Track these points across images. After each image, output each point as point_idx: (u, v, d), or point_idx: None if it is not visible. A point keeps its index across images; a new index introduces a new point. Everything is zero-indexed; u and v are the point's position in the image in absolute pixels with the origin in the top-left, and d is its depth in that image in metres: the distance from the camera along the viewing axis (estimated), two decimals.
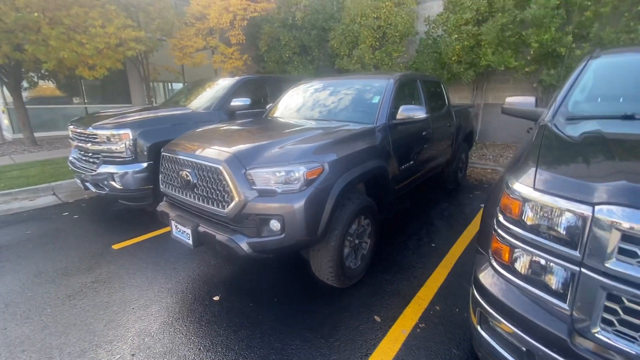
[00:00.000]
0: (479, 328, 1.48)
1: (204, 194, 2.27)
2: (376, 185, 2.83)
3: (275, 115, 3.77)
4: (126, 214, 4.36)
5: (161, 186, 2.71)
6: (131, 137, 3.77)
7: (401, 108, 3.00)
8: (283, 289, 2.65)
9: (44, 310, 2.44)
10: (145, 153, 3.85)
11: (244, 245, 2.13)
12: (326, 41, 9.16)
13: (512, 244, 1.32)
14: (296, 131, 2.65)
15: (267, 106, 4.17)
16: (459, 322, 2.25)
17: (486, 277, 1.45)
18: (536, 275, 1.27)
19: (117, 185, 3.80)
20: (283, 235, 2.09)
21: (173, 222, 2.50)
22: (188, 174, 2.33)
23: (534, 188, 1.25)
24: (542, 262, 1.24)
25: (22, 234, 3.76)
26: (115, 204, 4.69)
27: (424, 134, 3.60)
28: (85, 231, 3.85)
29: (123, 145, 3.76)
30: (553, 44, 5.89)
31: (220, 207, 2.18)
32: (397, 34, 7.92)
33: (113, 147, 3.80)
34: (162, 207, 2.73)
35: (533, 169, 1.31)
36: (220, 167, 2.13)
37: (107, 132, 3.79)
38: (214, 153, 2.23)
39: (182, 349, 2.04)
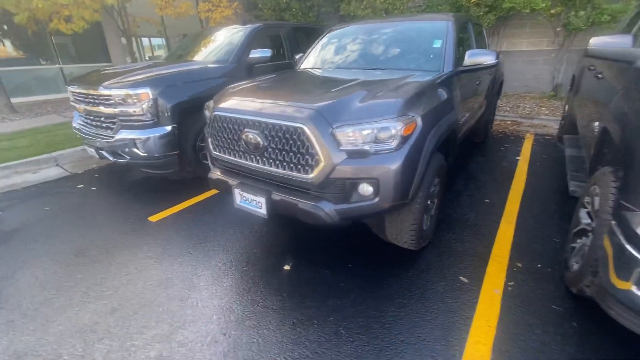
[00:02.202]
0: (633, 288, 1.38)
1: (279, 158, 2.00)
2: (447, 139, 2.61)
3: (312, 66, 3.37)
4: (148, 182, 4.03)
5: (213, 151, 2.40)
6: (151, 96, 3.33)
7: (468, 53, 2.70)
8: (352, 254, 2.52)
9: (102, 292, 2.23)
10: (169, 115, 3.44)
11: (331, 212, 1.93)
12: None
13: None
14: (365, 83, 2.32)
15: (297, 56, 3.73)
16: (547, 279, 2.20)
17: None
18: None
19: (140, 152, 3.43)
20: (376, 199, 1.89)
21: (237, 191, 2.24)
22: (256, 137, 2.04)
23: None
24: None
25: (40, 211, 3.42)
26: (132, 173, 4.33)
27: (477, 83, 3.33)
28: (111, 204, 3.54)
29: (143, 106, 3.33)
30: None
31: (302, 172, 1.93)
32: None
33: (131, 110, 3.36)
34: (217, 174, 2.44)
35: None
36: (304, 127, 1.84)
37: (123, 92, 3.33)
38: (291, 110, 1.93)
39: (273, 324, 1.91)
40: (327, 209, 1.92)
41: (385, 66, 2.87)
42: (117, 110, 3.40)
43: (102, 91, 3.39)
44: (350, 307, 2.02)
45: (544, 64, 7.30)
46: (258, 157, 2.11)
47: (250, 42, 4.35)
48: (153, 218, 3.17)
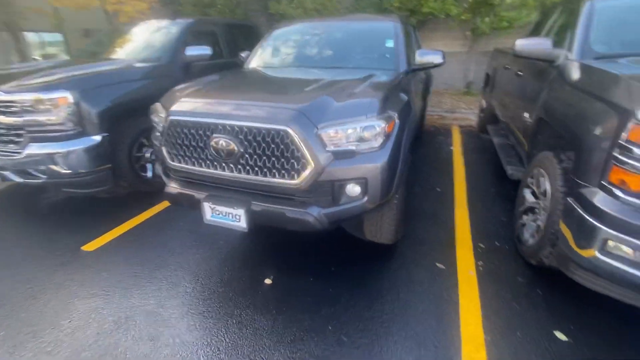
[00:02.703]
0: (597, 254, 1.60)
1: (258, 164, 1.83)
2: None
3: (263, 64, 3.20)
4: (72, 204, 3.37)
5: (170, 162, 2.09)
6: (71, 101, 2.76)
7: (418, 52, 2.86)
8: (331, 257, 2.46)
9: (41, 349, 1.77)
10: (97, 122, 2.91)
11: (320, 217, 1.84)
12: None
13: None
14: (333, 82, 2.27)
15: (243, 54, 3.50)
16: (507, 255, 2.46)
17: (609, 205, 1.53)
18: None
19: (61, 169, 2.83)
20: (365, 199, 1.86)
21: (207, 205, 1.99)
22: (229, 143, 1.83)
23: None
24: None
25: None
26: (47, 195, 3.57)
27: (420, 81, 3.56)
28: (28, 235, 2.85)
29: (61, 113, 2.75)
30: None
31: (286, 177, 1.80)
32: None
33: (43, 118, 2.75)
34: (176, 188, 2.14)
35: None
36: (288, 129, 1.70)
37: (31, 97, 2.70)
38: (271, 112, 1.77)
39: (270, 345, 1.75)
40: (316, 214, 1.83)
41: (341, 65, 2.87)
42: (23, 119, 2.75)
43: (1, 97, 2.70)
44: (345, 311, 1.97)
45: (457, 63, 8.23)
46: (232, 165, 1.90)
47: (185, 38, 3.95)
48: (88, 247, 2.64)
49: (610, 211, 1.54)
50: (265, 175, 1.84)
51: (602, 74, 1.92)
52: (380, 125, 1.81)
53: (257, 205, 1.89)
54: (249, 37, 5.26)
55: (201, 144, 1.94)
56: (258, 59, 3.27)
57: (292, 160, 1.76)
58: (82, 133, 2.87)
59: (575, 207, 1.72)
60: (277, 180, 1.82)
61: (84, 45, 5.38)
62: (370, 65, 2.80)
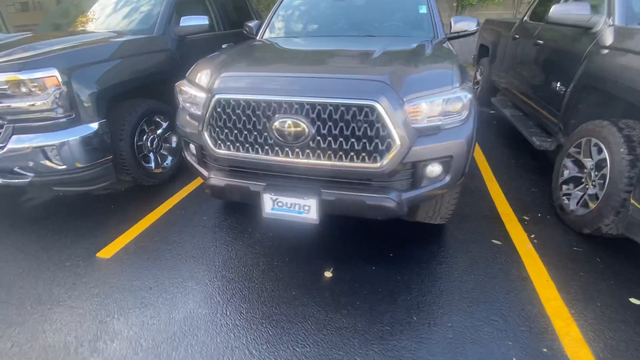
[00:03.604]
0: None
1: (333, 147, 1.59)
2: None
3: (284, 34, 2.84)
4: (66, 204, 2.89)
5: (214, 149, 1.78)
6: (61, 80, 2.28)
7: (454, 19, 2.69)
8: (379, 242, 2.32)
9: None
10: (93, 107, 2.45)
11: (401, 202, 1.67)
12: None
13: None
14: (392, 52, 2.02)
15: (252, 23, 3.10)
16: (554, 225, 2.47)
17: None
18: None
19: (55, 165, 2.38)
20: (447, 179, 1.71)
21: (268, 196, 1.73)
22: (298, 123, 1.56)
23: None
24: None
25: None
26: (29, 196, 3.04)
27: None
28: (26, 243, 2.39)
29: (49, 97, 2.26)
30: None
31: (368, 161, 1.59)
32: None
33: (26, 104, 2.25)
34: (224, 179, 1.84)
35: None
36: (375, 104, 1.48)
37: (7, 77, 2.18)
38: (352, 85, 1.52)
39: (360, 346, 1.60)
40: (398, 199, 1.66)
41: (377, 32, 2.62)
42: (3, 105, 2.23)
43: None
44: (422, 297, 1.86)
45: None
46: (298, 150, 1.65)
47: (175, 6, 3.43)
48: (103, 254, 2.28)
49: None
50: (341, 160, 1.61)
51: None
52: (467, 97, 1.63)
53: (330, 194, 1.67)
54: (240, 8, 4.75)
55: (259, 127, 1.65)
56: (277, 29, 2.91)
57: (376, 140, 1.55)
58: (75, 120, 2.41)
59: None
60: (356, 164, 1.60)
61: (24, 21, 4.54)
62: (409, 33, 2.60)
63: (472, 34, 2.75)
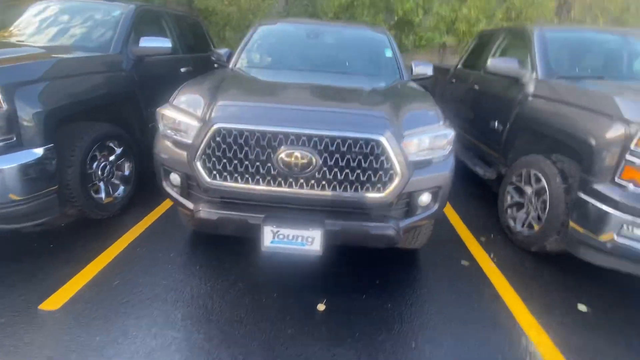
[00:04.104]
0: (615, 237, 1.98)
1: (339, 178, 1.62)
2: None
3: (261, 65, 2.84)
4: None
5: (209, 180, 1.66)
6: (2, 99, 1.92)
7: (414, 63, 3.02)
8: (361, 270, 2.36)
9: None
10: (39, 129, 2.11)
11: (399, 230, 1.76)
12: None
13: None
14: (375, 91, 2.18)
15: (222, 51, 3.04)
16: (506, 244, 2.82)
17: (623, 196, 1.92)
18: None
19: None
20: (435, 207, 1.87)
21: (268, 229, 1.65)
22: (306, 155, 1.57)
23: None
24: None
25: None
26: None
27: None
28: None
29: None
30: (410, 14, 7.12)
31: (372, 191, 1.65)
32: None
33: None
34: (215, 211, 1.71)
35: None
36: (381, 138, 1.57)
37: None
38: (359, 119, 1.60)
39: None
40: (397, 228, 1.74)
41: (351, 70, 2.80)
42: None
43: None
44: (415, 324, 1.92)
45: None
46: (302, 181, 1.64)
47: (132, 25, 3.21)
48: (48, 305, 1.88)
49: (624, 201, 1.94)
50: (345, 190, 1.65)
51: (598, 93, 2.34)
52: (451, 134, 1.84)
53: (334, 224, 1.68)
54: (197, 33, 4.64)
55: (263, 157, 1.61)
56: (252, 59, 2.90)
57: (380, 172, 1.63)
58: (15, 145, 2.03)
59: (590, 200, 2.10)
60: (361, 194, 1.65)
61: None
62: (378, 72, 2.83)
63: (429, 78, 3.13)
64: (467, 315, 2.01)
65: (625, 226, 1.96)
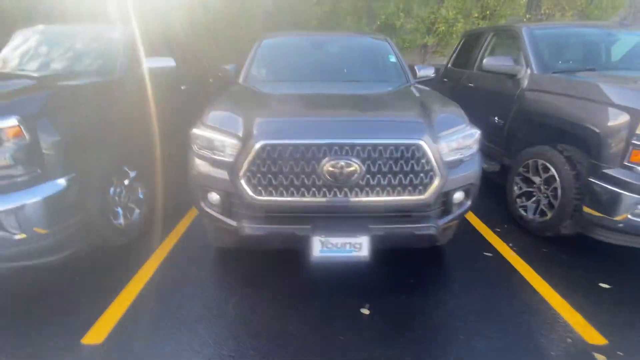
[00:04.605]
0: (629, 216, 2.13)
1: (383, 183, 1.68)
2: None
3: (273, 79, 2.86)
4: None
5: (254, 196, 1.68)
6: (24, 130, 1.87)
7: (418, 67, 3.14)
8: (393, 268, 2.41)
9: None
10: (63, 158, 2.06)
11: (440, 229, 1.83)
12: None
13: None
14: (394, 94, 2.27)
15: (229, 67, 3.06)
16: (521, 232, 2.95)
17: (634, 178, 2.07)
18: None
19: (8, 233, 1.88)
20: (469, 204, 1.96)
21: (317, 239, 1.69)
22: (350, 164, 1.62)
23: None
24: None
25: None
26: None
27: None
28: None
29: (7, 152, 1.83)
30: (392, 18, 7.34)
31: (414, 194, 1.71)
32: None
33: None
34: (261, 226, 1.73)
35: None
36: (421, 142, 1.64)
37: None
38: (398, 126, 1.67)
39: None
40: (437, 227, 1.82)
41: (362, 78, 2.88)
42: None
43: None
44: (466, 316, 1.99)
45: None
46: (346, 189, 1.69)
47: (134, 47, 3.17)
48: (90, 339, 1.83)
49: (636, 182, 2.09)
50: (388, 195, 1.71)
51: (600, 84, 2.48)
52: (477, 133, 1.94)
53: (379, 229, 1.74)
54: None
55: (308, 169, 1.65)
56: (262, 73, 2.93)
57: (421, 174, 1.70)
58: (40, 177, 1.98)
59: (603, 184, 2.25)
60: (403, 197, 1.72)
61: None
62: (387, 78, 2.92)
63: (431, 79, 3.25)
64: (503, 304, 2.10)
65: (638, 205, 2.11)
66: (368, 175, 1.67)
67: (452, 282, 2.31)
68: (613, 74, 2.89)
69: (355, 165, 1.63)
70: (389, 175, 1.69)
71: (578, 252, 2.65)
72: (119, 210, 2.66)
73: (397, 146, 1.65)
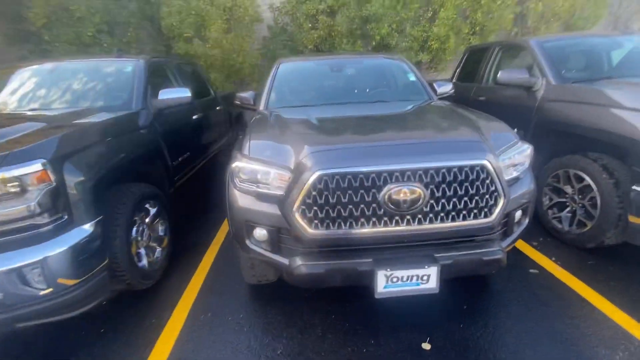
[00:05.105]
0: None
1: (447, 208, 1.58)
2: None
3: (297, 103, 2.77)
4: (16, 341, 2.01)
5: (311, 230, 1.56)
6: (52, 175, 1.72)
7: (437, 84, 3.12)
8: (441, 294, 2.28)
9: None
10: (90, 202, 1.90)
11: (504, 252, 1.72)
12: (153, 18, 7.09)
13: None
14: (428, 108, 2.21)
15: (247, 94, 2.98)
16: (558, 246, 2.86)
17: None
18: None
19: (37, 289, 1.70)
20: (526, 222, 1.87)
21: (382, 273, 1.56)
22: (414, 189, 1.51)
23: None
24: None
25: None
26: None
27: None
28: None
29: (32, 198, 1.67)
30: (387, 38, 7.49)
31: (480, 217, 1.61)
32: (247, 17, 7.35)
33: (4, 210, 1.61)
34: (321, 263, 1.59)
35: None
36: (485, 162, 1.55)
37: None
38: (460, 147, 1.58)
39: None
40: (502, 249, 1.71)
41: (387, 98, 2.85)
42: None
43: None
44: (529, 343, 1.86)
45: None
46: (409, 217, 1.58)
47: (148, 79, 3.09)
48: None
49: None
50: (453, 220, 1.60)
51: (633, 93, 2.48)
52: (529, 148, 1.87)
53: (446, 258, 1.61)
54: (198, 78, 4.57)
55: (368, 199, 1.54)
56: (284, 98, 2.85)
57: (487, 196, 1.61)
58: (67, 224, 1.81)
59: None
60: (469, 222, 1.61)
61: None
62: (410, 97, 2.89)
63: (451, 94, 3.24)
64: (564, 325, 1.98)
65: None
66: (432, 201, 1.57)
67: (505, 304, 2.18)
68: (634, 81, 2.91)
69: (419, 191, 1.53)
70: (454, 199, 1.58)
71: (625, 262, 2.56)
72: (142, 250, 2.48)
73: (460, 168, 1.56)
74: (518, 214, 1.82)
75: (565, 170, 2.85)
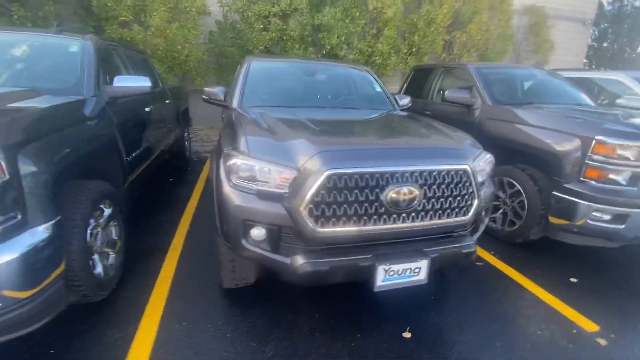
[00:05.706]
0: (588, 221, 2.64)
1: (436, 207, 1.76)
2: None
3: (261, 103, 2.73)
4: None
5: (318, 229, 1.58)
6: (5, 166, 1.42)
7: (398, 96, 3.41)
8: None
9: None
10: (47, 199, 1.62)
11: (476, 246, 1.99)
12: None
13: None
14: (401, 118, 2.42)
15: (216, 89, 2.82)
16: (490, 241, 3.36)
17: (589, 190, 2.60)
18: None
19: None
20: (487, 220, 2.17)
21: (382, 268, 1.66)
22: (412, 190, 1.66)
23: None
24: None
25: None
26: None
27: None
28: None
29: None
30: (336, 48, 7.82)
31: (460, 214, 1.83)
32: (193, 8, 6.94)
33: None
34: (326, 260, 1.62)
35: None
36: (467, 167, 1.78)
37: None
38: (447, 152, 1.77)
39: None
40: (474, 244, 1.97)
41: (356, 105, 3.00)
42: None
43: None
44: (490, 321, 2.16)
45: None
46: (404, 215, 1.72)
47: (98, 63, 2.72)
48: None
49: (591, 193, 2.62)
50: (440, 217, 1.80)
51: (558, 116, 3.08)
52: (492, 157, 2.19)
53: (433, 252, 1.80)
54: (148, 69, 4.15)
55: (372, 197, 1.63)
56: (258, 98, 2.77)
57: (466, 197, 1.84)
58: (20, 225, 1.51)
59: (565, 196, 2.75)
60: (452, 219, 1.83)
61: None
62: (377, 106, 3.09)
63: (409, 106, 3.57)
64: (508, 305, 2.36)
65: (593, 212, 2.64)
66: (424, 200, 1.74)
67: (464, 293, 2.49)
68: (548, 107, 3.60)
69: (416, 191, 1.68)
70: (442, 199, 1.78)
71: (546, 253, 3.13)
72: (96, 257, 2.17)
73: (448, 171, 1.77)
74: (483, 213, 2.12)
75: (500, 178, 3.38)
